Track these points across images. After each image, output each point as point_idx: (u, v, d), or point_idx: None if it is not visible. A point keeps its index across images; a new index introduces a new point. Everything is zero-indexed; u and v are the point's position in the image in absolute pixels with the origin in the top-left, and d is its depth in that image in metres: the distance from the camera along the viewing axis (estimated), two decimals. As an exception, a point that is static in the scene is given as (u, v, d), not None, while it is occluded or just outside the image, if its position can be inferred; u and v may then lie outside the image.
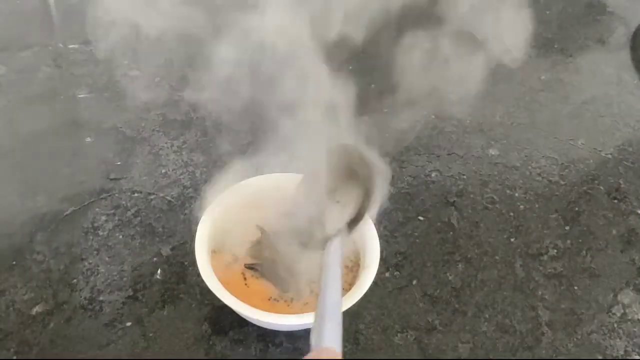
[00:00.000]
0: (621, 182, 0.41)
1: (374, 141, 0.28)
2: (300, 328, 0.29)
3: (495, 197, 0.39)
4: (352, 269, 0.29)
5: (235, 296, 0.26)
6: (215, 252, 0.29)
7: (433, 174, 0.40)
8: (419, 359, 0.29)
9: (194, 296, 0.31)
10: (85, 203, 0.36)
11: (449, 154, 0.42)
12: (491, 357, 0.30)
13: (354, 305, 0.26)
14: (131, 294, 0.31)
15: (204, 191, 0.37)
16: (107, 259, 0.33)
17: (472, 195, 0.39)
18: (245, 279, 0.29)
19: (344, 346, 0.30)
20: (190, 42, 0.34)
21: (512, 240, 0.36)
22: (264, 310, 0.26)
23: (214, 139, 0.41)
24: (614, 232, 0.37)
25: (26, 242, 0.33)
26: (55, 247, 0.33)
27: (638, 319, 0.32)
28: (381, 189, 0.27)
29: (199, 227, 0.28)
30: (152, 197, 0.37)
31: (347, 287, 0.28)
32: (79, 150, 0.40)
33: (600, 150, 0.43)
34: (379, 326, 0.31)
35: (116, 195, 0.37)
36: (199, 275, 0.27)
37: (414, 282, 0.33)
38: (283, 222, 0.29)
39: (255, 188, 0.31)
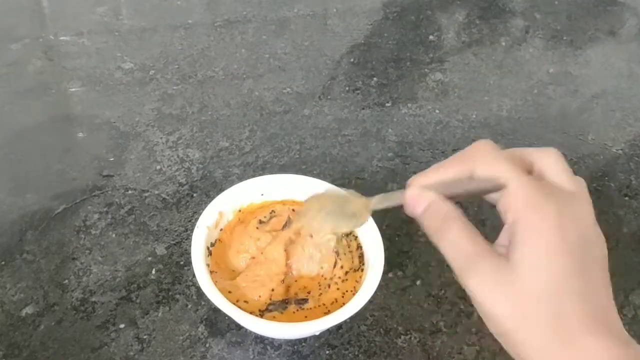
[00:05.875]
0: (632, 178, 0.40)
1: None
2: (294, 337, 0.28)
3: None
4: (356, 271, 0.28)
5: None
6: (212, 252, 0.28)
7: (437, 170, 0.39)
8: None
9: (189, 297, 0.30)
10: (77, 200, 0.35)
11: (454, 150, 0.41)
12: (498, 361, 0.29)
13: (355, 307, 0.26)
14: (125, 294, 0.30)
15: (201, 189, 0.36)
16: (99, 258, 0.32)
17: (477, 192, 0.37)
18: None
19: (345, 349, 0.29)
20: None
21: (520, 238, 0.35)
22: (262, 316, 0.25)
23: (210, 134, 0.40)
24: (625, 230, 0.36)
25: (16, 241, 0.32)
26: (46, 246, 0.32)
27: (650, 321, 0.31)
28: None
29: (195, 232, 0.27)
30: (147, 194, 0.36)
31: (353, 289, 0.27)
32: (71, 146, 0.39)
33: (610, 146, 0.42)
34: (381, 328, 0.30)
35: (109, 192, 0.35)
36: (195, 275, 0.26)
37: (418, 282, 0.32)
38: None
39: (255, 188, 0.30)
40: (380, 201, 0.22)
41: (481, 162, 0.18)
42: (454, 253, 0.18)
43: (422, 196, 0.19)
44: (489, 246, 0.18)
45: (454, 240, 0.18)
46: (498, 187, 0.18)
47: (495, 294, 0.17)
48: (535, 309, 0.16)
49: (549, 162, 0.18)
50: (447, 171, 0.19)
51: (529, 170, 0.18)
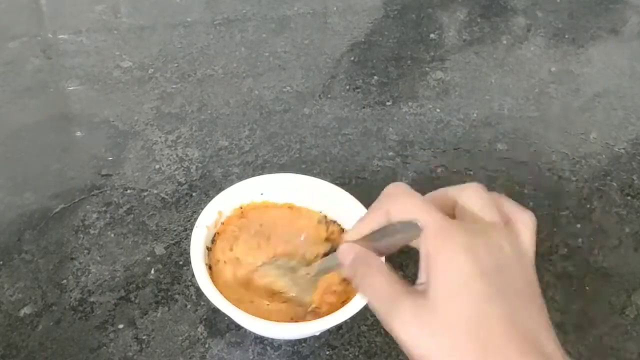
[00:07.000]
0: (634, 177, 0.39)
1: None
2: (294, 337, 0.28)
3: (503, 193, 0.37)
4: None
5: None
6: (211, 251, 0.28)
7: (438, 170, 0.38)
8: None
9: (189, 297, 0.30)
10: (76, 200, 0.35)
11: (455, 149, 0.40)
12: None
13: (356, 308, 0.25)
14: (123, 294, 0.30)
15: (200, 188, 0.36)
16: (98, 258, 0.32)
17: (479, 192, 0.37)
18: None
19: (346, 349, 0.29)
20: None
21: (521, 238, 0.35)
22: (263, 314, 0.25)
23: (210, 133, 0.40)
24: (627, 230, 0.36)
25: (14, 240, 0.32)
26: (44, 246, 0.32)
27: (653, 321, 0.31)
28: None
29: (194, 231, 0.27)
30: (145, 193, 0.35)
31: (353, 289, 0.27)
32: (69, 145, 0.39)
33: (612, 145, 0.42)
34: (382, 328, 0.29)
35: (108, 191, 0.35)
36: (194, 275, 0.26)
37: (419, 282, 0.32)
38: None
39: (255, 188, 0.30)
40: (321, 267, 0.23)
41: (394, 206, 0.19)
42: (375, 299, 0.18)
43: (349, 250, 0.20)
44: (408, 286, 0.18)
45: (374, 285, 0.18)
46: (417, 230, 0.18)
47: (419, 330, 0.16)
48: (459, 338, 0.16)
49: (467, 197, 0.18)
50: (367, 224, 0.19)
51: (450, 209, 0.19)
